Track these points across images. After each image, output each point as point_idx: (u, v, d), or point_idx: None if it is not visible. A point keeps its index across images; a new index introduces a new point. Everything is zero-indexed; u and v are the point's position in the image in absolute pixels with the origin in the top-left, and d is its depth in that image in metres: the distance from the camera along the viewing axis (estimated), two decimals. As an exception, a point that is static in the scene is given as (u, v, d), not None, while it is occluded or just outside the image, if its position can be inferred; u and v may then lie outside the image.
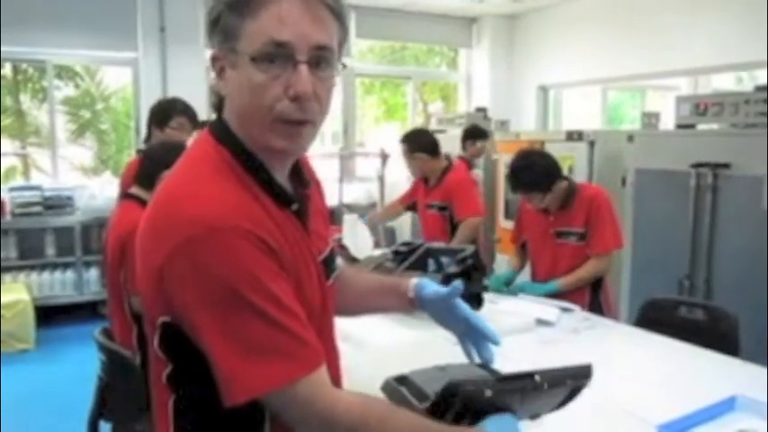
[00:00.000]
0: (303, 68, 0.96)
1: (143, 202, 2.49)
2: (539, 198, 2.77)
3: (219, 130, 1.03)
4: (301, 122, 0.99)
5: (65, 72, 6.79)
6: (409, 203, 4.29)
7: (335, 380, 1.10)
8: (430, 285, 1.33)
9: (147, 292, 0.99)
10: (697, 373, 1.95)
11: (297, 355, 0.94)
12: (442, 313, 1.33)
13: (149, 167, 2.53)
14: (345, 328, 1.60)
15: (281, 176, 1.07)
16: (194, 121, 3.32)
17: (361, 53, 7.76)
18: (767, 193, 3.36)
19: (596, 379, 1.84)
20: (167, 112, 3.25)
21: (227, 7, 0.97)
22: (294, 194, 1.07)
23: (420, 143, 3.87)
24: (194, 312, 0.92)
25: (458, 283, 1.29)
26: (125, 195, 2.60)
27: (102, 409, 2.21)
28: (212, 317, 0.91)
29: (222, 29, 0.97)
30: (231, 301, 0.91)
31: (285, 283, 0.97)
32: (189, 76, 6.27)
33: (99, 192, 5.86)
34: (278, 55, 0.95)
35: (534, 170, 2.74)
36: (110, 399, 2.22)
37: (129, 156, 6.49)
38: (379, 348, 1.92)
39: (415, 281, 1.34)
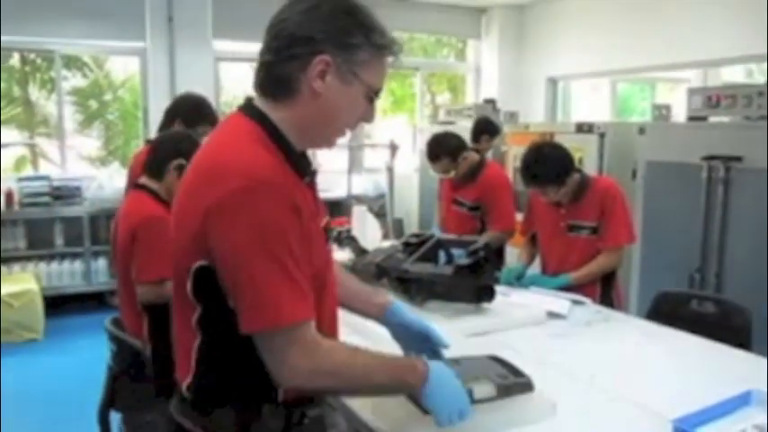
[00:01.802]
0: (375, 105, 1.28)
1: (152, 192, 2.48)
2: (553, 191, 2.74)
3: (253, 112, 1.24)
4: None
5: (73, 62, 6.78)
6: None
7: (334, 336, 1.35)
8: (399, 312, 1.58)
9: (185, 239, 1.17)
10: (711, 367, 1.94)
11: (296, 305, 1.13)
12: (400, 333, 1.58)
13: (159, 157, 2.51)
14: (350, 319, 1.60)
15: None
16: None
17: (369, 44, 7.72)
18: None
19: (610, 372, 1.83)
20: (200, 115, 3.20)
21: (368, 40, 1.20)
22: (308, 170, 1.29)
23: (441, 148, 3.62)
24: (228, 249, 1.10)
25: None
26: (134, 185, 2.59)
27: (112, 398, 2.21)
28: (244, 256, 1.09)
29: (351, 49, 1.19)
30: (255, 252, 1.09)
31: (301, 246, 1.15)
32: (197, 67, 6.27)
33: (107, 182, 5.87)
34: (377, 94, 1.26)
35: (548, 164, 2.71)
36: (120, 389, 2.22)
37: (138, 146, 6.49)
38: (383, 338, 1.92)
39: (389, 301, 1.60)
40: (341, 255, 3.17)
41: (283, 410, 1.23)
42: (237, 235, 1.09)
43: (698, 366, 1.93)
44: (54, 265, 5.77)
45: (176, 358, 1.28)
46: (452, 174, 3.64)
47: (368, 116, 1.28)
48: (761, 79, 6.80)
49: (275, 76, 1.21)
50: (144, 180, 2.52)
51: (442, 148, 3.60)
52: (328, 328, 1.31)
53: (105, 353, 2.36)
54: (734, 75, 7.02)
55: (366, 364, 1.25)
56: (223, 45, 6.66)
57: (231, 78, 7.43)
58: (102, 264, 5.89)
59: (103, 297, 5.83)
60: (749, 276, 3.49)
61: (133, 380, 2.19)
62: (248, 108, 1.25)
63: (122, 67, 7.11)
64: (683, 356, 2.03)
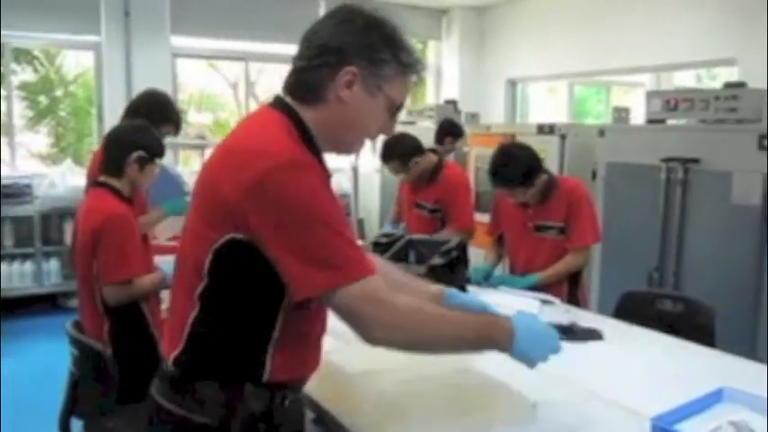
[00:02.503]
0: (395, 119, 1.36)
1: (114, 190, 2.39)
2: (521, 192, 2.74)
3: (284, 107, 1.29)
4: None
5: (23, 56, 6.55)
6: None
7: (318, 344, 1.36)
8: (457, 295, 1.62)
9: (211, 214, 1.21)
10: (681, 365, 1.97)
11: (363, 262, 1.20)
12: None
13: (116, 152, 2.42)
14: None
15: None
16: (177, 130, 3.23)
17: (329, 43, 7.68)
18: (737, 188, 3.42)
19: (584, 371, 1.84)
20: (164, 115, 3.11)
21: (394, 57, 1.27)
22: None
23: (393, 150, 3.58)
24: (276, 227, 1.15)
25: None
26: (95, 183, 2.49)
27: (73, 405, 2.12)
28: (294, 230, 1.15)
29: (377, 63, 1.26)
30: (311, 218, 1.15)
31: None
32: (154, 63, 6.12)
33: (59, 180, 5.68)
34: (398, 109, 1.34)
35: (516, 165, 2.70)
36: (82, 394, 2.13)
37: (92, 144, 6.32)
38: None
39: (442, 289, 1.63)
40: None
41: (267, 392, 1.26)
42: (286, 207, 1.14)
43: (668, 364, 1.96)
44: (3, 267, 5.55)
45: (166, 332, 1.32)
46: (402, 177, 3.62)
47: (387, 128, 1.36)
48: (710, 84, 7.01)
49: (305, 81, 1.28)
50: (104, 178, 2.44)
51: (393, 151, 3.57)
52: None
53: (60, 356, 2.27)
54: (685, 80, 7.23)
55: (452, 319, 1.31)
56: (181, 41, 6.52)
57: (189, 75, 7.30)
58: (54, 265, 5.70)
59: (56, 299, 5.65)
60: (706, 275, 3.58)
61: (95, 385, 2.10)
62: (279, 103, 1.31)
63: (75, 62, 6.91)
64: (654, 355, 2.06)
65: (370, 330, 1.20)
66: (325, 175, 1.24)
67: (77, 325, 2.23)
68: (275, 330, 1.24)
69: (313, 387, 1.47)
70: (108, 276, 2.24)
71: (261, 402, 1.25)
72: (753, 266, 3.37)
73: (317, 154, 1.28)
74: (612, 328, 2.37)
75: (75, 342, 2.09)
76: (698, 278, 3.64)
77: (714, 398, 1.60)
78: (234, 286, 1.21)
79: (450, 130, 5.43)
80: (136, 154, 2.38)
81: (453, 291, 1.62)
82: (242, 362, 1.25)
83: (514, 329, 1.33)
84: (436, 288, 1.64)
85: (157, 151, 2.49)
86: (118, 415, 2.08)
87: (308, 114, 1.28)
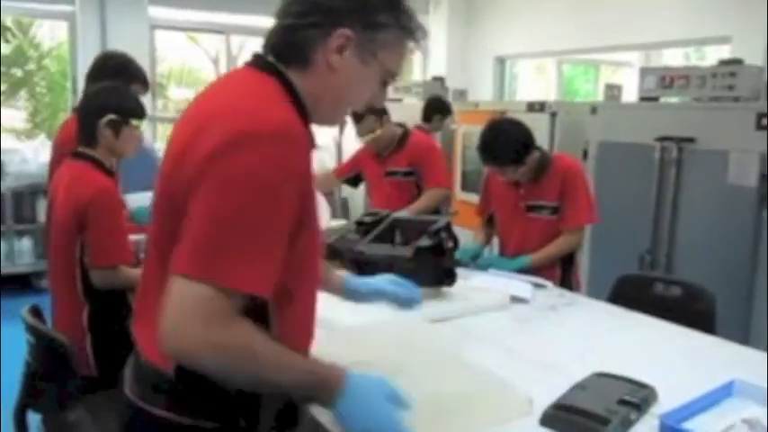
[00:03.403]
0: (386, 89, 1.25)
1: (96, 162, 2.21)
2: (512, 171, 2.60)
3: (271, 69, 1.14)
4: None
5: (-6, 26, 6.30)
6: (348, 176, 3.99)
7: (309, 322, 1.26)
8: (351, 282, 1.62)
9: (172, 196, 1.05)
10: (685, 354, 1.85)
11: (263, 281, 1.01)
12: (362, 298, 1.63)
13: (87, 119, 2.23)
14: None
15: None
16: (146, 88, 3.06)
17: (314, 17, 7.48)
18: (733, 168, 3.31)
19: (582, 361, 1.71)
20: (130, 73, 2.93)
21: (396, 21, 1.15)
22: None
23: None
24: (212, 190, 0.99)
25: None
26: (73, 154, 2.29)
27: (29, 398, 1.95)
28: (230, 207, 0.98)
29: (375, 27, 1.13)
30: (258, 206, 0.99)
31: (294, 219, 1.06)
32: (131, 35, 5.90)
33: (32, 156, 5.47)
34: (391, 79, 1.22)
35: (507, 141, 2.55)
36: (38, 386, 1.97)
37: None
38: (351, 329, 1.77)
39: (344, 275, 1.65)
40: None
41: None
42: (234, 177, 0.99)
43: (672, 353, 1.83)
44: (-28, 245, 5.35)
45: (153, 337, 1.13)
46: (363, 143, 3.64)
47: (378, 99, 1.25)
48: (698, 63, 6.91)
49: (292, 41, 1.14)
50: (81, 148, 2.25)
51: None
52: (305, 327, 1.25)
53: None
54: (673, 58, 7.13)
55: (278, 355, 1.06)
56: (159, 12, 6.29)
57: (168, 48, 7.07)
58: (26, 244, 5.50)
59: (28, 279, 5.46)
60: (700, 258, 3.48)
61: (53, 376, 1.94)
62: (264, 64, 1.15)
63: (49, 34, 6.65)
64: (656, 343, 1.93)
65: (173, 329, 0.98)
66: (311, 151, 1.11)
67: (35, 310, 2.06)
68: (271, 328, 1.11)
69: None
70: (98, 260, 2.08)
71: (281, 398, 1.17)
72: (748, 249, 3.27)
73: (306, 125, 1.14)
74: (610, 313, 2.25)
75: (31, 329, 1.92)
76: (691, 261, 3.54)
77: (724, 392, 1.48)
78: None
79: (438, 108, 5.33)
80: (107, 117, 2.19)
81: (348, 275, 1.64)
82: None
83: (348, 379, 1.09)
84: (338, 276, 1.62)
85: (133, 112, 2.27)
86: (81, 408, 1.92)
87: (294, 79, 1.14)
